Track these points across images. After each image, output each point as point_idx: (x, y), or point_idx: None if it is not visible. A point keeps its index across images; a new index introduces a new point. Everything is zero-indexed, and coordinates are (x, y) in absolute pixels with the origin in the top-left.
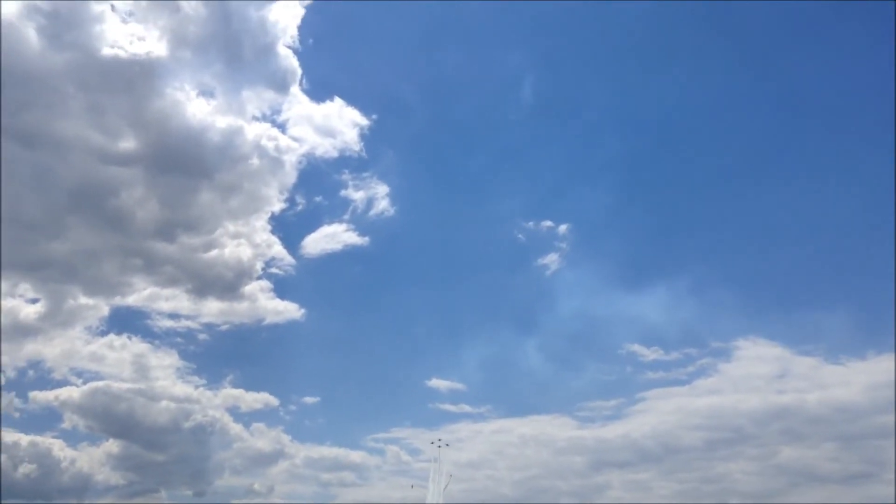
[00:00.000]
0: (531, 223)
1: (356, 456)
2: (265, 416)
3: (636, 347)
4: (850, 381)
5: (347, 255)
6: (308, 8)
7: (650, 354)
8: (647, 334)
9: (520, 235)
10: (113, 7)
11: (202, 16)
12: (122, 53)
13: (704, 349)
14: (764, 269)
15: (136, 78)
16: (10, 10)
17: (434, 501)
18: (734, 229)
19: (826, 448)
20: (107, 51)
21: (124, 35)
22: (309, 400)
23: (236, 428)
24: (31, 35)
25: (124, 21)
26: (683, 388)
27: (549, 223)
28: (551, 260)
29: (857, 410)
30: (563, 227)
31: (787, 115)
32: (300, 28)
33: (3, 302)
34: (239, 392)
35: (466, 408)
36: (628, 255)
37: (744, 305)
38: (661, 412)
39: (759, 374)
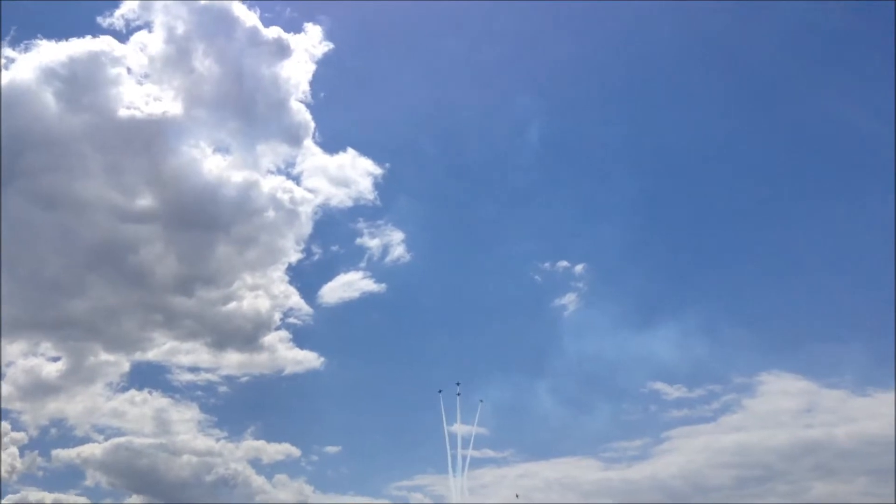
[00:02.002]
0: (547, 264)
1: None
2: (287, 467)
3: (659, 385)
4: (879, 412)
5: (365, 303)
6: (319, 63)
7: (673, 392)
8: (668, 372)
9: (536, 277)
10: (129, 70)
11: (215, 75)
12: (138, 114)
13: (728, 385)
14: (783, 302)
15: (153, 137)
16: (28, 75)
17: None
18: (749, 265)
19: (859, 483)
20: (123, 112)
21: (140, 96)
22: (331, 449)
23: (259, 480)
24: (48, 99)
25: (139, 82)
26: (709, 425)
27: (565, 263)
28: (569, 300)
29: (887, 443)
30: (579, 267)
31: (803, 149)
32: (311, 83)
33: (24, 361)
34: (260, 444)
35: (490, 452)
36: (645, 293)
37: (765, 339)
38: (688, 451)
39: (786, 408)
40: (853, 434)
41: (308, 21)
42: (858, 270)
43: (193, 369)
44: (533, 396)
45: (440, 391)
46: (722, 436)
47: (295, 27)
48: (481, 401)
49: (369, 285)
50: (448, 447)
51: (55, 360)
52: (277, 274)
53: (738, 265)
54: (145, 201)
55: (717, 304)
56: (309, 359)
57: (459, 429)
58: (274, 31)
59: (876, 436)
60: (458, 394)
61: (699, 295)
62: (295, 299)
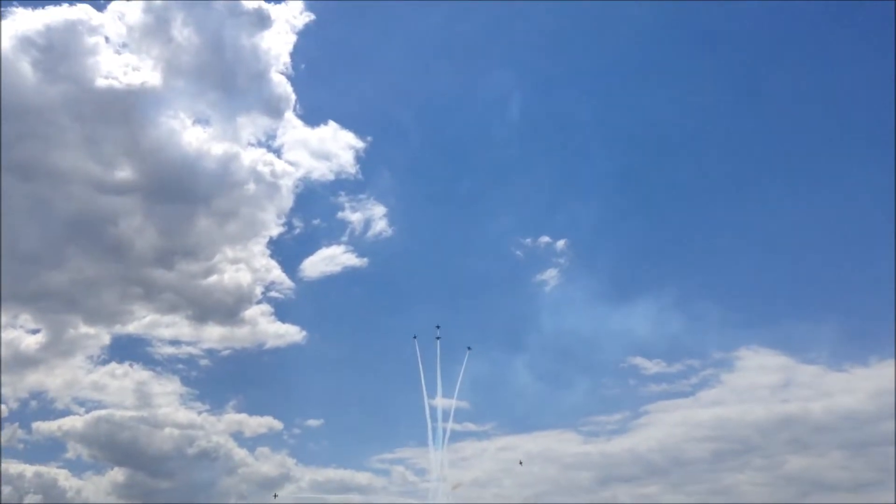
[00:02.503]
0: (528, 240)
1: (362, 477)
2: (269, 440)
3: (638, 360)
4: (855, 387)
5: (346, 277)
6: (300, 34)
7: (652, 367)
8: (647, 347)
9: (517, 252)
10: (107, 39)
11: (195, 45)
12: (116, 84)
13: (706, 360)
14: (760, 278)
15: (132, 108)
16: (4, 44)
17: None
18: (728, 240)
19: (834, 456)
20: (101, 82)
21: (119, 66)
22: (313, 423)
23: (241, 453)
24: (26, 69)
25: (118, 52)
26: (687, 399)
27: (546, 239)
28: (550, 276)
29: (862, 418)
30: (560, 243)
31: (778, 126)
32: (292, 55)
33: (3, 333)
34: (242, 417)
35: (470, 426)
36: (626, 269)
37: (743, 315)
38: (667, 425)
39: (763, 383)
40: (829, 409)
41: None
42: (834, 247)
43: (174, 342)
44: (514, 371)
45: (415, 337)
46: (700, 410)
47: None
48: (469, 348)
49: (351, 259)
50: (427, 412)
51: (35, 332)
52: (258, 247)
53: (715, 241)
54: (124, 173)
55: (696, 279)
56: (290, 332)
57: (440, 402)
58: (254, 2)
59: (851, 410)
60: (438, 337)
61: (677, 270)
62: (276, 273)
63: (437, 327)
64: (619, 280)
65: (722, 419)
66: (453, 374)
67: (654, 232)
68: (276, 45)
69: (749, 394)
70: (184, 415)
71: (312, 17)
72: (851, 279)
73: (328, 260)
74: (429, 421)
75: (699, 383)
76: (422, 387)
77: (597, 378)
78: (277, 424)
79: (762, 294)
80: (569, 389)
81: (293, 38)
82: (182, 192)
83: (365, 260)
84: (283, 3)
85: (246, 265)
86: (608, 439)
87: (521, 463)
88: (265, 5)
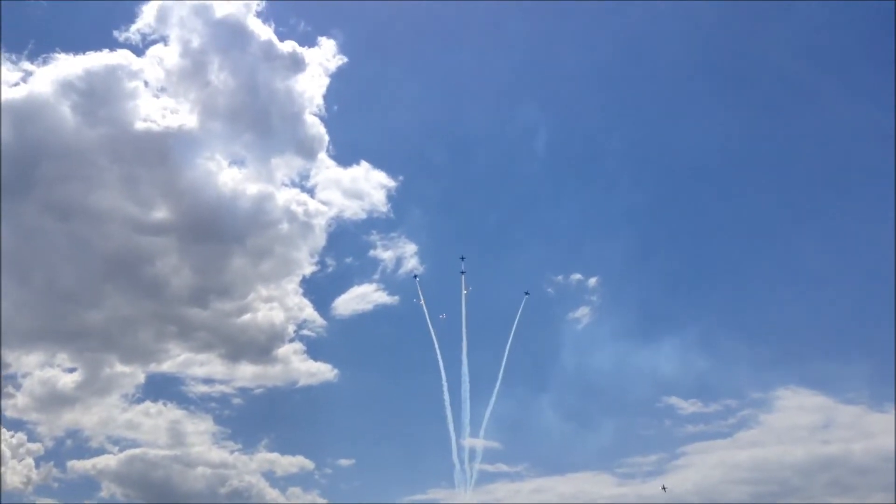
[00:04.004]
0: (560, 277)
1: None
2: (301, 479)
3: (674, 400)
4: None
5: (378, 315)
6: (333, 76)
7: (689, 407)
8: (683, 386)
9: (549, 290)
10: (146, 83)
11: (231, 88)
12: (154, 127)
13: (744, 400)
14: (796, 317)
15: (169, 150)
16: (46, 88)
17: None
18: (762, 279)
19: (876, 499)
20: (140, 124)
21: (157, 109)
22: (344, 462)
23: (272, 493)
24: (66, 112)
25: (156, 95)
26: (725, 440)
27: (578, 276)
28: (582, 314)
29: None
30: (592, 280)
31: (809, 160)
32: (325, 96)
33: (41, 373)
34: (274, 456)
35: (503, 467)
36: (658, 307)
37: (778, 354)
38: (704, 466)
39: (803, 424)
40: (870, 450)
41: (322, 35)
42: (868, 285)
43: (208, 381)
44: (547, 410)
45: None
46: (738, 451)
47: (309, 41)
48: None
49: (382, 297)
50: (455, 453)
51: (71, 371)
52: (291, 286)
53: (752, 280)
54: (161, 213)
55: (727, 316)
56: (322, 371)
57: (471, 443)
58: (289, 46)
59: (893, 451)
60: (463, 272)
61: (708, 307)
62: (309, 311)
63: (462, 258)
64: (652, 318)
65: (760, 461)
66: (484, 413)
67: (685, 269)
68: (310, 87)
69: (788, 435)
70: (216, 454)
71: (345, 59)
72: (883, 317)
73: (360, 298)
74: (456, 463)
75: (737, 424)
76: (449, 426)
77: (632, 418)
78: (309, 464)
79: (799, 333)
80: (603, 430)
81: (326, 81)
82: (217, 231)
83: (396, 298)
84: (316, 47)
85: (279, 304)
86: (644, 481)
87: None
88: (299, 49)
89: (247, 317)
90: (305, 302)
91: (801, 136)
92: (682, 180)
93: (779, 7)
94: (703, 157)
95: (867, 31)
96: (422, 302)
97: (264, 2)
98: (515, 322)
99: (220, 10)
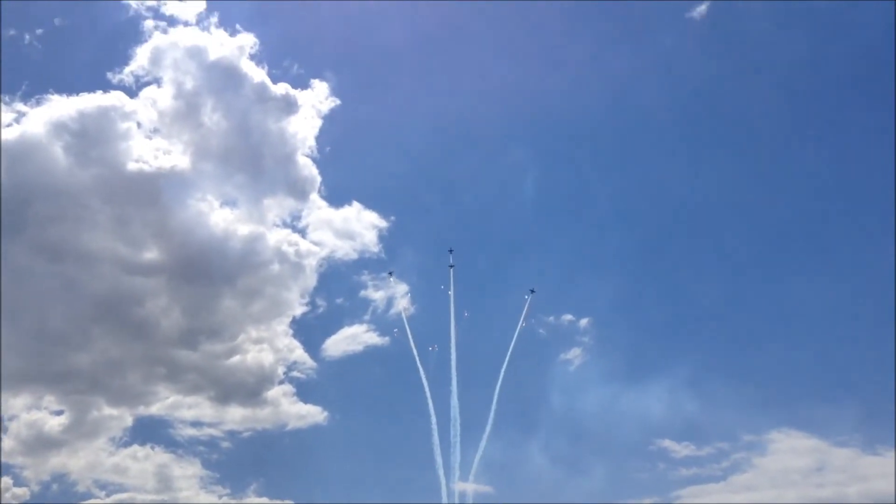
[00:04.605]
0: (551, 317)
1: None
2: None
3: (667, 443)
4: (890, 471)
5: (369, 356)
6: (325, 118)
7: (682, 450)
8: (676, 429)
9: (541, 330)
10: (139, 124)
11: (224, 129)
12: (146, 167)
13: (737, 443)
14: (785, 360)
15: (161, 190)
16: (39, 129)
17: None
18: (755, 320)
19: None
20: (132, 165)
21: (149, 150)
22: None
23: None
24: (58, 153)
25: (149, 137)
26: (719, 484)
27: (569, 317)
28: (574, 355)
29: None
30: (584, 321)
31: (797, 204)
32: (318, 138)
33: (27, 415)
34: (263, 501)
35: None
36: (648, 348)
37: (772, 397)
38: None
39: (796, 467)
40: (864, 493)
41: (315, 77)
42: (858, 326)
43: (196, 424)
44: (540, 453)
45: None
46: (732, 495)
47: (302, 83)
48: (532, 290)
49: (373, 338)
50: (445, 496)
51: (58, 413)
52: (282, 327)
53: (744, 321)
54: (151, 254)
55: (723, 360)
56: (312, 413)
57: (463, 486)
58: (282, 88)
59: (887, 494)
60: (452, 265)
61: (707, 351)
62: (299, 353)
63: (451, 251)
64: (644, 360)
65: None
66: (475, 456)
67: (678, 311)
68: (303, 128)
69: (782, 478)
70: (204, 499)
71: (338, 101)
72: (873, 358)
73: (350, 339)
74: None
75: (731, 467)
76: (439, 471)
77: (625, 461)
78: None
79: (785, 374)
80: (596, 473)
81: (319, 122)
82: (208, 272)
83: (387, 339)
84: (309, 89)
85: (269, 345)
86: None
87: None
88: (292, 91)
89: (236, 358)
90: (296, 343)
91: (790, 181)
92: (672, 222)
93: (767, 60)
94: (692, 201)
95: (854, 88)
96: (410, 340)
97: (258, 44)
98: (506, 360)
99: (214, 53)
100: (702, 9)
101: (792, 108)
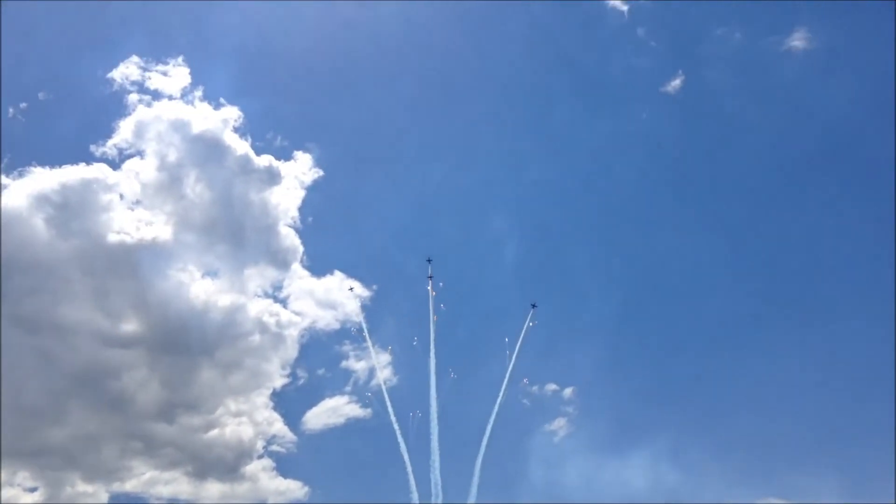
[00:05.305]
0: (535, 387)
1: None
2: None
3: None
4: None
5: (350, 429)
6: (308, 189)
7: None
8: (664, 497)
9: (524, 400)
10: (121, 196)
11: (206, 201)
12: (128, 239)
13: None
14: (772, 429)
15: (141, 262)
16: (21, 201)
17: None
18: (737, 390)
19: None
20: (113, 237)
21: (131, 221)
22: None
23: None
24: (38, 225)
25: (131, 208)
26: None
27: (554, 386)
28: (559, 426)
29: None
30: (568, 391)
31: (777, 273)
32: (300, 208)
33: (2, 491)
34: None
35: None
36: (636, 417)
37: (757, 466)
38: None
39: None
40: None
41: (298, 149)
42: (839, 395)
43: (173, 501)
44: None
45: None
46: None
47: (285, 155)
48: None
49: (354, 410)
50: None
51: (32, 490)
52: (261, 399)
53: (723, 390)
54: (130, 326)
55: (706, 429)
56: (292, 488)
57: None
58: (265, 160)
59: None
60: (430, 276)
61: (687, 419)
62: (279, 426)
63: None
64: (630, 431)
65: None
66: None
67: (660, 381)
68: (285, 199)
69: None
70: None
71: (321, 172)
72: (853, 427)
73: (331, 411)
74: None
75: None
76: None
77: None
78: None
79: (767, 443)
80: None
81: (302, 193)
82: (187, 344)
83: (368, 411)
84: (292, 160)
85: (248, 418)
86: None
87: None
88: (276, 163)
89: (214, 432)
90: (275, 416)
91: (772, 249)
92: (653, 291)
93: (739, 132)
94: (673, 270)
95: (825, 160)
96: (391, 414)
97: (242, 116)
98: (487, 432)
99: (198, 126)
100: (676, 83)
101: (765, 179)
